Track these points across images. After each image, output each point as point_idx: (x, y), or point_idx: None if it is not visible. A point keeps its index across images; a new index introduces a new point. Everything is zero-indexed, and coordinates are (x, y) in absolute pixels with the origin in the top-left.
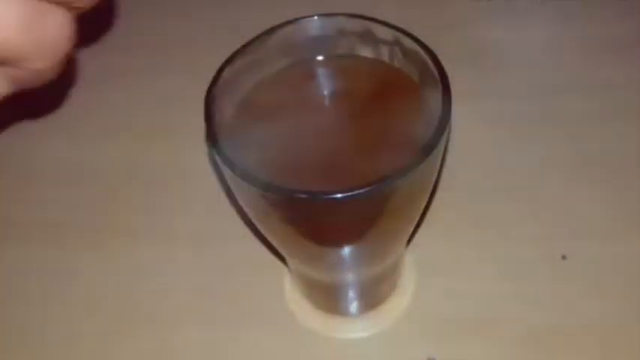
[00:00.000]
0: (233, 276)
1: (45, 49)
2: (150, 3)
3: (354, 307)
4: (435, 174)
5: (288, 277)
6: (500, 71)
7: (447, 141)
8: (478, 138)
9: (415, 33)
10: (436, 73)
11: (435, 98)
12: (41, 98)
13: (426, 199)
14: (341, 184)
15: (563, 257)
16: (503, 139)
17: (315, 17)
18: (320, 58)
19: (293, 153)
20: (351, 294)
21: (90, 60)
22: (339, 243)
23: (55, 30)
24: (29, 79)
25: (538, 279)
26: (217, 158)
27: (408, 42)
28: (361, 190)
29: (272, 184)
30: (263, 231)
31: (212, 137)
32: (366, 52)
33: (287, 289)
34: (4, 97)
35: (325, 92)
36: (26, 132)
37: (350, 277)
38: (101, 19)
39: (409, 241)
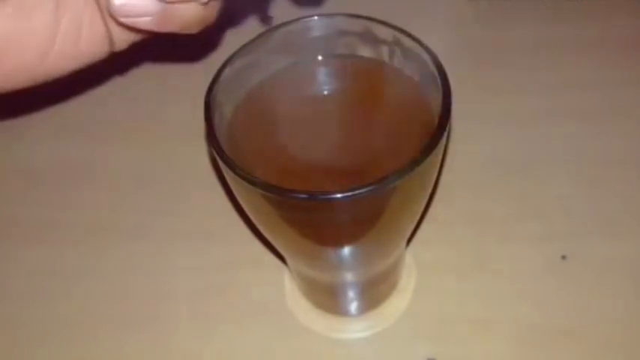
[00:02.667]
0: (233, 276)
1: None
2: None
3: (354, 307)
4: (435, 174)
5: (288, 277)
6: (500, 71)
7: (447, 141)
8: (478, 138)
9: (415, 33)
10: (436, 73)
11: (435, 98)
12: (42, 98)
13: (426, 199)
14: (341, 184)
15: (563, 257)
16: (503, 138)
17: (315, 17)
18: (320, 58)
19: (293, 153)
20: (351, 294)
21: None
22: (339, 243)
23: None
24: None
25: (538, 279)
26: (217, 158)
27: (408, 42)
28: (361, 190)
29: (272, 184)
30: (263, 231)
31: (212, 137)
32: (366, 52)
33: (287, 289)
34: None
35: (325, 92)
36: (26, 132)
37: (350, 277)
38: None
39: (409, 241)
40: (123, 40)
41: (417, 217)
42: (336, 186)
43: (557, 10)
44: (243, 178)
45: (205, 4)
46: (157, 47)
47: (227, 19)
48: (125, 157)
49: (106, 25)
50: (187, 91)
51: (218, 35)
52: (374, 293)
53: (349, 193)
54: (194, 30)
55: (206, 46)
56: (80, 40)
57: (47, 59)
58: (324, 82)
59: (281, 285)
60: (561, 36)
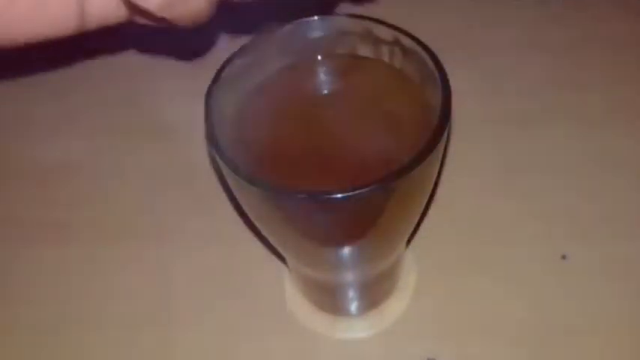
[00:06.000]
0: (233, 276)
1: None
2: None
3: (354, 307)
4: (435, 174)
5: (288, 277)
6: (500, 71)
7: (447, 141)
8: (478, 138)
9: (415, 33)
10: (436, 73)
11: (435, 98)
12: (42, 98)
13: (426, 199)
14: (341, 184)
15: (563, 257)
16: (503, 138)
17: (315, 17)
18: (320, 58)
19: (293, 153)
20: (351, 294)
21: (89, 59)
22: (339, 243)
23: None
24: None
25: (538, 279)
26: (217, 158)
27: (408, 42)
28: (361, 190)
29: (272, 184)
30: (263, 231)
31: (212, 137)
32: (366, 52)
33: (287, 289)
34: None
35: (325, 92)
36: (26, 132)
37: (350, 277)
38: None
39: (409, 241)
40: (94, 17)
41: (417, 217)
42: (336, 186)
43: (557, 10)
44: (243, 178)
45: None
46: (156, 46)
47: (226, 19)
48: (124, 156)
49: None
50: (187, 91)
51: (218, 35)
52: (374, 293)
53: (349, 193)
54: (189, 23)
55: (206, 45)
56: (47, 4)
57: (6, 17)
58: (323, 82)
59: (281, 285)
60: (561, 36)
